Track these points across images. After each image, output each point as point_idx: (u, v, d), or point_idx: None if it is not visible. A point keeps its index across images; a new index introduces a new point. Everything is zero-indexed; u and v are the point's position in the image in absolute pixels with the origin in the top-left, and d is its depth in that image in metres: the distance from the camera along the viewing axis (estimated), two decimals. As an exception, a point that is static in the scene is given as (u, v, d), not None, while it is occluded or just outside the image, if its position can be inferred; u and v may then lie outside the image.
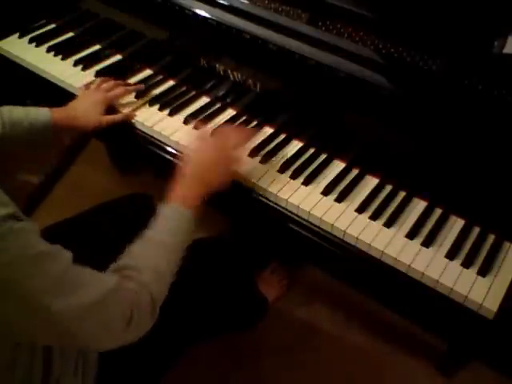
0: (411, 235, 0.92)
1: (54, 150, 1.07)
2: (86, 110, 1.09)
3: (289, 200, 0.97)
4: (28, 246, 0.60)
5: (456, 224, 0.95)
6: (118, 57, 1.33)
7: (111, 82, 1.18)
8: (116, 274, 0.75)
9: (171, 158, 1.10)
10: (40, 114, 1.04)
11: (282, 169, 1.02)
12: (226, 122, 1.13)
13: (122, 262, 0.78)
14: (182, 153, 1.09)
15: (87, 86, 1.19)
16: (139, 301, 0.72)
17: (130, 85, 1.22)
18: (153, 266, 0.77)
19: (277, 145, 1.09)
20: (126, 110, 1.15)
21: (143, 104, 1.17)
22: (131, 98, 1.19)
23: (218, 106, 1.17)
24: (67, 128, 1.09)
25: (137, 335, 0.74)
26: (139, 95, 1.19)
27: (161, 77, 1.25)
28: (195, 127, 1.11)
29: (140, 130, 1.13)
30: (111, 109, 1.14)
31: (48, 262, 0.62)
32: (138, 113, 1.15)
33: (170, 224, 0.84)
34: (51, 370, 0.79)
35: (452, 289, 0.84)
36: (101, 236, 1.06)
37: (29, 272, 0.59)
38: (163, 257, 0.80)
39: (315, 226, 0.96)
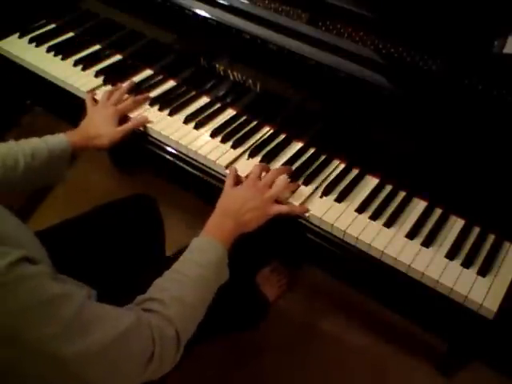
0: (411, 235, 0.92)
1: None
2: (98, 128, 1.07)
3: (289, 200, 0.97)
4: (39, 292, 0.58)
5: (456, 224, 0.95)
6: (118, 57, 1.33)
7: (117, 94, 1.16)
8: (138, 308, 0.72)
9: (171, 158, 1.10)
10: (56, 140, 1.02)
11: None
12: (226, 121, 1.13)
13: (148, 294, 0.75)
14: (181, 153, 1.09)
15: (93, 94, 1.17)
16: (162, 336, 0.69)
17: (135, 86, 1.21)
18: (179, 300, 0.74)
19: (277, 145, 1.09)
20: (132, 114, 1.15)
21: (143, 104, 1.17)
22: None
23: (218, 105, 1.17)
24: (83, 149, 1.07)
25: (160, 372, 0.71)
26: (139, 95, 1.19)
27: (161, 77, 1.25)
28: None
29: (139, 130, 1.13)
30: (121, 119, 1.13)
31: (60, 305, 0.59)
32: (138, 113, 1.15)
33: (199, 255, 0.82)
34: None
35: (452, 289, 0.84)
36: (104, 237, 1.06)
37: (38, 318, 0.57)
38: (191, 290, 0.77)
39: (315, 226, 0.96)
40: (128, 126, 1.10)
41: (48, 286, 0.59)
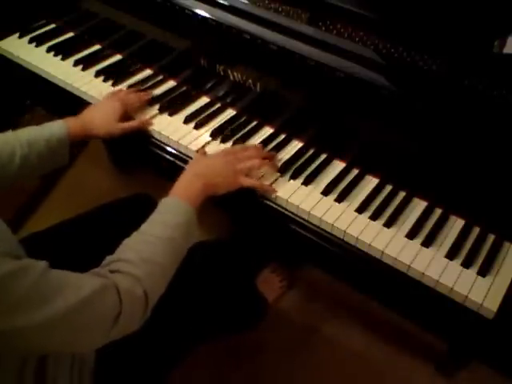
0: (411, 235, 0.92)
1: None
2: (102, 117, 1.06)
3: (289, 200, 0.97)
4: None
5: (456, 224, 0.95)
6: (118, 57, 1.33)
7: (125, 90, 1.17)
8: (105, 270, 0.73)
9: (171, 158, 1.10)
10: (55, 127, 1.00)
11: (282, 169, 1.02)
12: (226, 121, 1.13)
13: (116, 255, 0.76)
14: (181, 152, 1.09)
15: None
16: (130, 297, 0.70)
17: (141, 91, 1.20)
18: (148, 260, 0.75)
19: (277, 145, 1.09)
20: (136, 116, 1.14)
21: (145, 104, 1.17)
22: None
23: (218, 105, 1.17)
24: (84, 137, 1.05)
25: (124, 332, 0.72)
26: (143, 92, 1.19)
27: (161, 77, 1.25)
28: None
29: (139, 130, 1.13)
30: (125, 116, 1.12)
31: (13, 280, 0.59)
32: (138, 113, 1.15)
33: (167, 216, 0.82)
34: (45, 375, 0.76)
35: (452, 289, 0.84)
36: (104, 237, 1.06)
37: None
38: (159, 250, 0.78)
39: (315, 226, 0.96)
40: (130, 124, 1.10)
41: None
